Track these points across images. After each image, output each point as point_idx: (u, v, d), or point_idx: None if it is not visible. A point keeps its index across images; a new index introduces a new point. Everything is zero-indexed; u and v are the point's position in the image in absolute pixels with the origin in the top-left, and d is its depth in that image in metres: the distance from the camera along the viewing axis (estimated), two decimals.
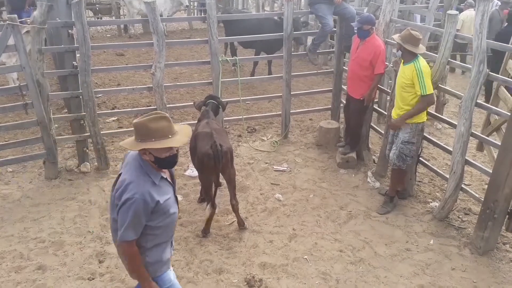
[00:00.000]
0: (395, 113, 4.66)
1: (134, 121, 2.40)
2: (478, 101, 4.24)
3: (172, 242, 2.75)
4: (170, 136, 2.37)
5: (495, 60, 7.29)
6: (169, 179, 2.59)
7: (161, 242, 2.58)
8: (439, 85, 4.78)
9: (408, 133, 4.52)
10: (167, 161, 2.44)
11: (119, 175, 2.51)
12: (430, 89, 4.28)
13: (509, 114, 3.92)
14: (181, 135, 2.44)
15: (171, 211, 2.53)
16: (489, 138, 4.59)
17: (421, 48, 4.39)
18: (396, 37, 4.47)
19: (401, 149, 4.56)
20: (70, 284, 3.72)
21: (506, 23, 7.42)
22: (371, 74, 5.17)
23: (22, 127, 5.94)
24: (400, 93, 4.49)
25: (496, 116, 5.20)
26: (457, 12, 4.68)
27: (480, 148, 5.72)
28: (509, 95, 5.07)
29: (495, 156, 4.97)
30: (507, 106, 4.95)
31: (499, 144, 4.05)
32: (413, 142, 4.56)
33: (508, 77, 4.65)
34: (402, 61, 4.51)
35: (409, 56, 4.37)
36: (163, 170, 2.54)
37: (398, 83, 4.53)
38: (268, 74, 8.98)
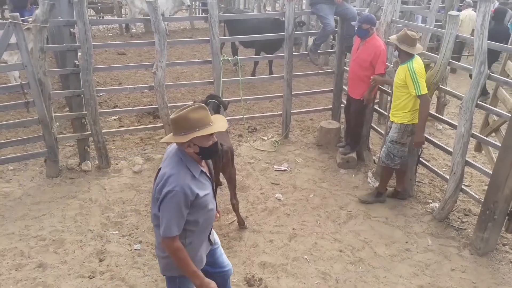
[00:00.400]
0: (390, 112, 4.72)
1: (172, 116, 2.39)
2: (478, 102, 4.24)
3: (209, 239, 2.74)
4: (210, 124, 2.41)
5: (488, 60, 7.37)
6: (208, 174, 2.60)
7: (199, 239, 2.58)
8: (440, 86, 4.79)
9: (396, 133, 4.58)
10: (211, 150, 2.47)
11: (158, 170, 2.52)
12: (424, 89, 4.31)
13: (510, 115, 3.92)
14: (219, 121, 2.48)
15: (210, 207, 2.54)
16: (489, 139, 4.59)
17: (418, 48, 4.41)
18: (393, 37, 4.49)
19: (389, 148, 4.64)
20: (70, 282, 3.74)
21: (494, 22, 7.41)
22: (372, 74, 5.17)
23: (24, 125, 5.96)
24: (395, 93, 4.57)
25: (494, 117, 5.21)
26: (459, 13, 4.67)
27: (478, 148, 5.72)
28: (508, 96, 5.08)
29: (494, 157, 4.99)
30: (506, 107, 4.95)
31: (499, 145, 4.06)
32: (402, 143, 4.60)
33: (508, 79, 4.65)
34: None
35: (405, 57, 4.40)
36: (203, 164, 2.56)
37: (394, 83, 4.58)
38: (269, 74, 8.99)
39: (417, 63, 4.35)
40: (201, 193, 2.42)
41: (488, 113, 5.25)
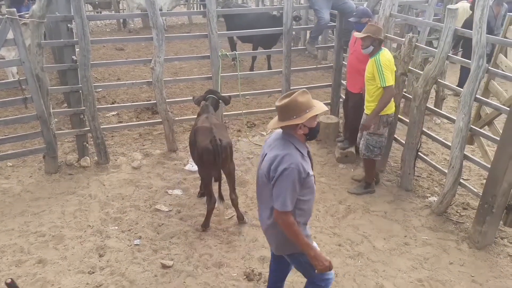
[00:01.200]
0: (365, 105, 4.81)
1: (282, 102, 2.57)
2: (477, 96, 4.25)
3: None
4: (314, 105, 2.60)
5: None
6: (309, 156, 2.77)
7: (305, 218, 2.75)
8: (439, 80, 4.78)
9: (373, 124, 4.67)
10: (316, 130, 2.69)
11: (263, 158, 2.70)
12: (389, 81, 4.42)
13: (508, 109, 3.92)
14: (318, 103, 2.65)
15: (313, 187, 2.71)
16: (488, 133, 4.59)
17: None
18: (368, 32, 4.45)
19: (367, 140, 4.73)
20: (70, 278, 3.75)
21: (471, 12, 7.41)
22: None
23: (22, 121, 5.95)
24: (367, 87, 4.66)
25: (487, 110, 5.22)
26: (457, 7, 4.66)
27: (470, 141, 5.73)
28: (500, 89, 5.09)
29: (487, 150, 5.00)
30: (499, 100, 4.96)
31: (498, 139, 4.06)
32: (379, 134, 4.69)
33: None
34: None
35: (375, 50, 4.48)
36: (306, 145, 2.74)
37: (365, 77, 4.67)
38: (268, 69, 8.97)
39: (384, 56, 4.46)
40: (310, 172, 2.62)
41: (481, 106, 5.25)
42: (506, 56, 5.21)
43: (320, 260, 2.62)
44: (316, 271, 2.67)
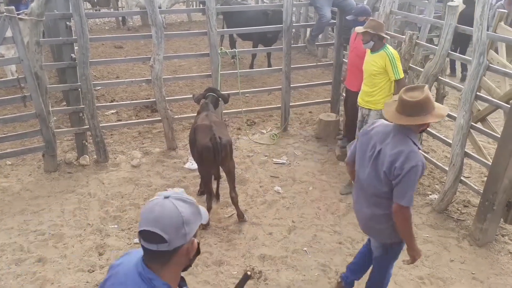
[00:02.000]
0: (363, 101, 4.79)
1: (416, 99, 2.55)
2: (477, 93, 4.23)
3: None
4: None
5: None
6: None
7: None
8: (439, 77, 4.77)
9: (377, 118, 4.63)
10: (428, 126, 2.73)
11: (375, 151, 2.70)
12: (402, 73, 4.50)
13: (509, 106, 3.91)
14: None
15: None
16: (490, 132, 4.58)
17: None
18: (367, 28, 4.43)
19: None
20: (70, 277, 3.74)
21: (465, 6, 7.35)
22: None
23: (21, 119, 5.93)
24: (371, 80, 4.63)
25: (479, 106, 5.21)
26: (458, 4, 4.64)
27: None
28: (493, 85, 5.08)
29: (480, 146, 4.99)
30: (491, 96, 4.95)
31: (496, 135, 4.05)
32: None
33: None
34: (369, 50, 4.59)
35: (379, 45, 4.49)
36: None
37: (367, 71, 4.64)
38: (268, 67, 8.95)
39: (392, 49, 4.53)
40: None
41: (473, 102, 5.22)
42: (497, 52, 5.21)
43: (418, 253, 2.80)
44: (408, 261, 2.86)
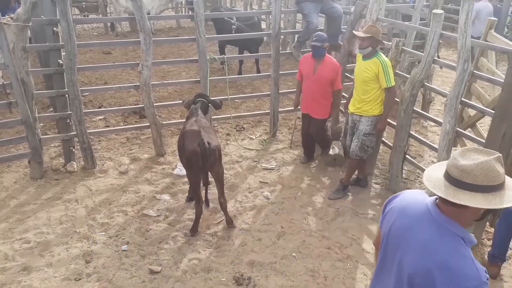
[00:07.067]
0: (354, 107, 4.82)
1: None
2: (462, 99, 4.30)
3: None
4: None
5: None
6: None
7: None
8: (425, 83, 4.84)
9: (369, 126, 4.72)
10: None
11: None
12: (393, 81, 4.53)
13: (493, 112, 3.97)
14: None
15: None
16: (473, 136, 4.65)
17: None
18: (367, 32, 4.47)
19: (363, 141, 4.76)
20: (56, 285, 3.68)
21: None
22: (330, 90, 5.25)
23: (6, 126, 5.85)
24: (363, 88, 4.64)
25: (469, 112, 5.30)
26: (443, 12, 4.73)
27: (453, 143, 5.79)
28: (482, 92, 5.18)
29: None
30: (481, 102, 5.03)
31: (483, 141, 4.11)
32: (373, 134, 4.78)
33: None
34: (361, 56, 4.62)
35: (373, 52, 4.53)
36: None
37: (359, 78, 4.66)
38: (257, 73, 8.99)
39: (384, 56, 4.58)
40: None
41: (463, 108, 5.31)
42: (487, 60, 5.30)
43: None
44: None
